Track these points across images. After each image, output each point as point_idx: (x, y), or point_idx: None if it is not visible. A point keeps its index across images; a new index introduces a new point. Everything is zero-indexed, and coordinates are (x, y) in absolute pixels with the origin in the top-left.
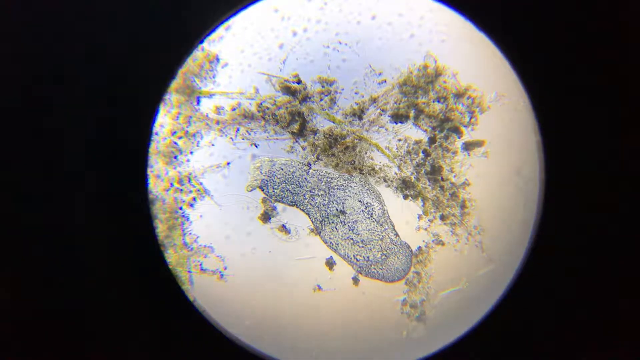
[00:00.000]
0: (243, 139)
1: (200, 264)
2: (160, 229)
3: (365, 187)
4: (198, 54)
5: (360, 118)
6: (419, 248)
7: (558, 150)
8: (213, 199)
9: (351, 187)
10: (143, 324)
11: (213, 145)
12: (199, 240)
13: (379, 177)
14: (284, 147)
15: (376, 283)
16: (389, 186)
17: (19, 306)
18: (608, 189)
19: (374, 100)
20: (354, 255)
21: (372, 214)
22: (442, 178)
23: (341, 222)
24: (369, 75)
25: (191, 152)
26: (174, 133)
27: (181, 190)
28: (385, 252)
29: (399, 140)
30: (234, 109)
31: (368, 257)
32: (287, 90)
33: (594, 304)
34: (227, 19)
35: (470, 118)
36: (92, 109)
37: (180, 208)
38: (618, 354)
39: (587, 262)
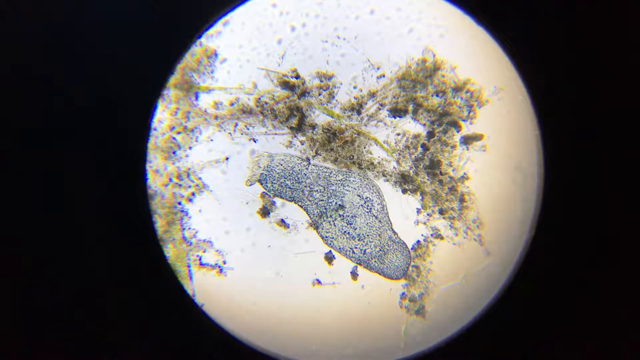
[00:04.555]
0: (242, 134)
1: (200, 259)
2: (159, 224)
3: (364, 182)
4: (196, 50)
5: (359, 112)
6: (418, 242)
7: (557, 144)
8: (212, 194)
9: (350, 181)
10: (142, 318)
11: (212, 140)
12: (198, 235)
13: (377, 172)
14: (282, 142)
15: (375, 277)
16: (387, 180)
17: (18, 305)
18: (607, 183)
19: (372, 95)
20: (351, 249)
21: (371, 209)
22: (440, 172)
23: (340, 217)
24: (367, 70)
25: (190, 148)
26: (172, 128)
27: (180, 185)
28: (383, 248)
29: (398, 134)
30: (232, 104)
31: (365, 250)
32: (286, 85)
33: (592, 298)
34: (225, 14)
35: (469, 112)
36: (90, 105)
37: (179, 203)
38: (617, 349)
39: (586, 256)
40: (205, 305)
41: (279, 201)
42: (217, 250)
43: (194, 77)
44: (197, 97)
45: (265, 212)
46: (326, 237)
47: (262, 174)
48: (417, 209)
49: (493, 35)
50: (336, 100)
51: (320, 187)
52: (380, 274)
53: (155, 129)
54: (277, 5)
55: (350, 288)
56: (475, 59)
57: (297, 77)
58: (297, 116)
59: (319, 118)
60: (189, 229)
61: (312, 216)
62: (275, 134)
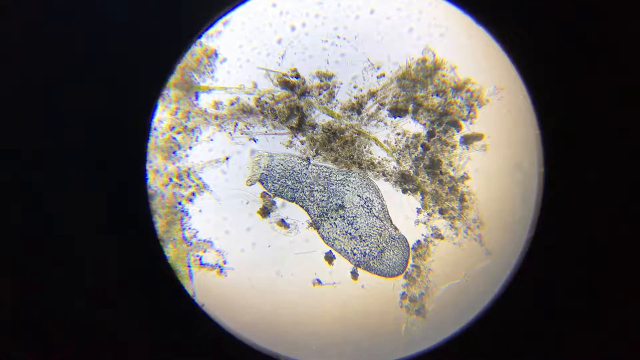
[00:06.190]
0: (242, 133)
1: (200, 259)
2: (160, 224)
3: (364, 182)
4: (196, 49)
5: (359, 112)
6: (418, 242)
7: (557, 144)
8: (212, 194)
9: (350, 181)
10: (143, 318)
11: (212, 140)
12: (198, 235)
13: (377, 171)
14: (282, 141)
15: (375, 277)
16: (387, 180)
17: (18, 305)
18: (607, 182)
19: (372, 95)
20: (351, 250)
21: (371, 209)
22: (440, 172)
23: (340, 217)
24: (367, 70)
25: (190, 147)
26: (172, 128)
27: (180, 185)
28: (381, 247)
29: (398, 134)
30: (232, 104)
31: (365, 252)
32: (286, 84)
33: (592, 298)
34: (225, 14)
35: (469, 112)
36: (90, 105)
37: (180, 203)
38: (615, 349)
39: (586, 255)
40: (206, 305)
41: (279, 201)
42: (217, 250)
43: (194, 77)
44: (197, 97)
45: (265, 212)
46: (327, 237)
47: (263, 173)
48: (417, 208)
49: (493, 35)
50: (336, 100)
51: (321, 186)
52: (379, 275)
53: (155, 129)
54: (277, 5)
55: (351, 288)
56: (475, 59)
57: (297, 76)
58: (297, 116)
59: (319, 118)
60: (189, 229)
61: (312, 216)
62: (276, 133)
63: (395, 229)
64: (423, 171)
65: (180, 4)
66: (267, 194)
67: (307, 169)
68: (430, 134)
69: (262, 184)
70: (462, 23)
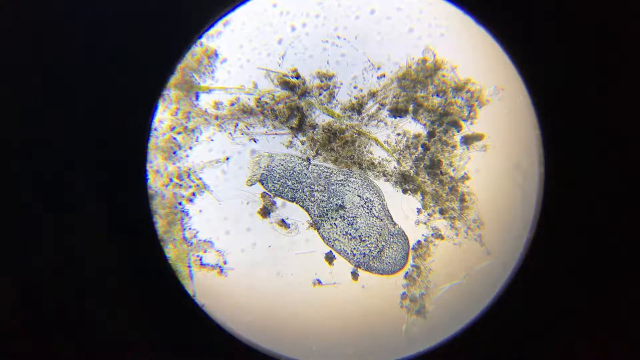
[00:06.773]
0: (242, 134)
1: (200, 259)
2: (160, 224)
3: (365, 182)
4: (197, 50)
5: (359, 112)
6: (419, 242)
7: (557, 144)
8: (213, 194)
9: (350, 182)
10: (143, 319)
11: (212, 140)
12: (198, 235)
13: (378, 172)
14: (283, 142)
15: (376, 277)
16: (388, 180)
17: (18, 305)
18: (606, 183)
19: (373, 95)
20: (351, 250)
21: (371, 209)
22: (441, 172)
23: (340, 217)
24: (367, 70)
25: (190, 148)
26: (173, 128)
27: (181, 185)
28: (381, 246)
29: (398, 134)
30: (232, 104)
31: (364, 252)
32: (286, 85)
33: (592, 297)
34: (225, 14)
35: (469, 112)
36: (90, 105)
37: (180, 203)
38: (615, 349)
39: (586, 255)
40: (206, 305)
41: (279, 201)
42: (217, 251)
43: (194, 77)
44: (197, 97)
45: (265, 212)
46: (327, 237)
47: (263, 174)
48: (417, 209)
49: (493, 35)
50: (336, 100)
51: (321, 187)
52: (380, 274)
53: (155, 129)
54: (277, 5)
55: (351, 288)
56: (475, 59)
57: (298, 77)
58: (298, 116)
59: (320, 118)
60: (190, 229)
61: (312, 216)
62: (276, 134)
63: (394, 225)
64: (423, 171)
65: (181, 4)
66: (267, 194)
67: (307, 169)
68: (431, 134)
69: (263, 184)
70: (463, 23)
